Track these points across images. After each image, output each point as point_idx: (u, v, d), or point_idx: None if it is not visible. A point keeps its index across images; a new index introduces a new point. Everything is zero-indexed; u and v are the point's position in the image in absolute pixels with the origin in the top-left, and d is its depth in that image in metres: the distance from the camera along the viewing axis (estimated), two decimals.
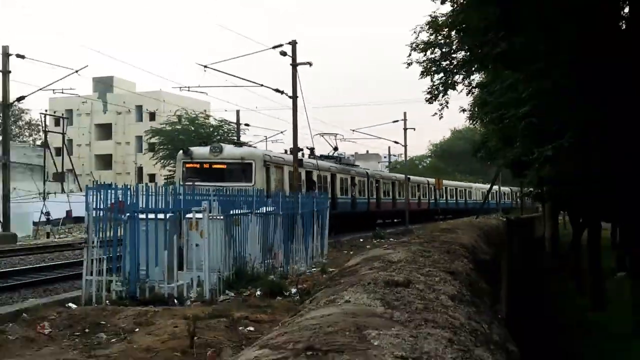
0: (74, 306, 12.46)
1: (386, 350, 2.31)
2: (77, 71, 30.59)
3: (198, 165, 29.65)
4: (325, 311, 3.56)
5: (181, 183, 24.65)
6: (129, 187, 15.26)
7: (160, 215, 14.11)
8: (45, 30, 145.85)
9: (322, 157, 41.74)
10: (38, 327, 10.38)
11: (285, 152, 39.00)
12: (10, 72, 30.89)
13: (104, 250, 13.87)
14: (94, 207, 13.90)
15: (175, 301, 13.01)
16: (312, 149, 40.10)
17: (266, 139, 53.88)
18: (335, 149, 45.64)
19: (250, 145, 41.99)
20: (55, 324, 10.62)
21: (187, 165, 30.25)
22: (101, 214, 14.08)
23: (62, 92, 37.43)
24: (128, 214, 14.01)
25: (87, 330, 10.25)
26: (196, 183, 23.19)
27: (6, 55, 30.57)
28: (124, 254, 13.80)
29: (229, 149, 30.98)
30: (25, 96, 34.48)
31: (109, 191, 14.28)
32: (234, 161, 29.99)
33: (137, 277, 13.55)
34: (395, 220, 52.80)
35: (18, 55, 31.06)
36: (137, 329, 10.07)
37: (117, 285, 13.50)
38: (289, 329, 3.02)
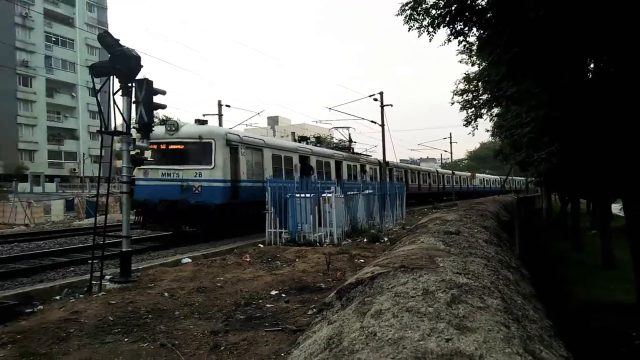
0: (261, 246, 12.72)
1: (448, 269, 2.67)
2: (258, 113, 30.94)
3: (155, 147, 15.42)
4: (409, 247, 3.99)
5: (138, 167, 14.49)
6: (289, 180, 15.72)
7: (307, 195, 14.05)
8: (238, 87, 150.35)
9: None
10: (243, 257, 10.69)
11: (298, 140, 26.75)
12: (222, 115, 31.72)
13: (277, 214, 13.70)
14: (271, 190, 13.79)
15: (318, 244, 12.94)
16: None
17: (366, 150, 52.65)
18: (350, 141, 33.17)
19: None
20: (252, 256, 10.90)
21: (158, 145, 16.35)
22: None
23: (250, 126, 38.40)
24: (290, 194, 13.96)
25: (269, 259, 10.44)
26: (151, 166, 14.86)
27: (219, 105, 31.63)
28: (288, 217, 13.76)
29: (186, 127, 16.06)
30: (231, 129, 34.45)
31: (278, 184, 14.39)
32: (192, 140, 15.69)
33: (296, 229, 13.62)
34: (430, 199, 40.87)
35: (227, 105, 31.92)
36: (296, 260, 10.16)
37: (285, 234, 13.62)
38: (388, 257, 3.48)
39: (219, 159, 15.16)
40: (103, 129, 8.21)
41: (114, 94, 8.25)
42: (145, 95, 8.46)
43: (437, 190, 46.39)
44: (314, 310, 5.95)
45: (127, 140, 8.28)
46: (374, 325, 1.45)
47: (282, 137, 37.53)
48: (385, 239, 13.91)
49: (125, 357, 4.46)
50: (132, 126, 8.43)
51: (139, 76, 8.41)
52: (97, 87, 8.28)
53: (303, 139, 26.48)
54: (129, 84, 8.32)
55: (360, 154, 33.24)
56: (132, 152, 8.43)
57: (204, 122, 16.59)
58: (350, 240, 14.02)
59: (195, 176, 15.00)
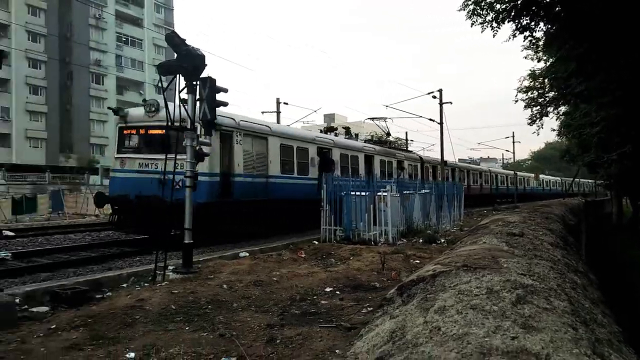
0: (316, 243, 12.77)
1: (512, 270, 2.60)
2: (315, 111, 30.10)
3: (134, 131, 13.23)
4: (470, 247, 3.93)
5: (115, 156, 13.40)
6: (344, 178, 15.64)
7: (362, 193, 14.00)
8: (295, 85, 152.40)
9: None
10: (298, 253, 10.86)
11: (324, 131, 23.12)
12: (280, 112, 31.78)
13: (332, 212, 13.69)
14: (327, 188, 13.81)
15: (372, 243, 12.84)
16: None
17: (424, 149, 50.86)
18: (388, 134, 28.12)
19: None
20: (307, 252, 11.05)
21: (124, 132, 13.65)
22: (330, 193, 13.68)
23: (307, 123, 38.36)
24: (345, 192, 13.85)
25: (324, 256, 10.50)
26: (129, 155, 12.98)
27: (278, 103, 31.72)
28: (343, 214, 13.63)
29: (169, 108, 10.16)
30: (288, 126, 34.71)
31: (334, 181, 14.35)
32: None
33: (351, 227, 13.54)
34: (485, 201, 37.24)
35: (285, 103, 32.04)
36: (351, 258, 10.13)
37: (340, 232, 13.55)
38: (449, 256, 3.45)
39: (206, 147, 11.75)
40: (169, 125, 8.58)
41: (179, 92, 8.62)
42: (209, 92, 8.76)
43: (490, 192, 42.17)
44: (369, 308, 5.96)
45: (191, 135, 8.61)
46: (437, 321, 1.46)
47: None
48: (442, 240, 13.67)
49: (187, 344, 4.65)
50: (195, 122, 8.74)
51: (203, 74, 8.72)
52: (164, 85, 8.68)
53: (330, 129, 22.58)
54: (194, 82, 8.65)
55: (398, 148, 29.64)
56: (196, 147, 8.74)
57: (185, 101, 13.22)
58: (405, 240, 13.89)
59: (176, 168, 12.40)
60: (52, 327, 5.23)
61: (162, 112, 12.04)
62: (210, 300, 6.32)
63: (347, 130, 24.52)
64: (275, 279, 7.77)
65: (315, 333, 4.99)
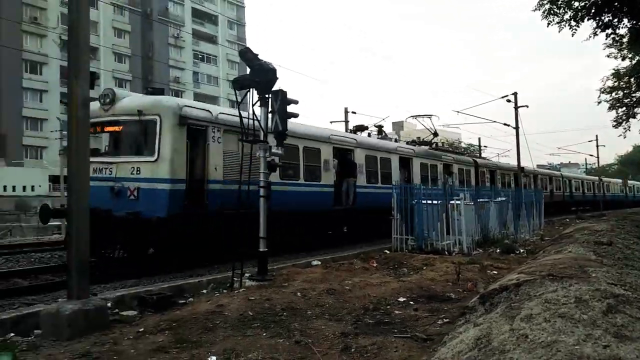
0: (387, 252, 12.68)
1: (601, 279, 2.45)
2: (383, 119, 28.10)
3: (92, 130, 9.07)
4: (555, 257, 3.76)
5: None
6: (416, 185, 15.45)
7: (434, 201, 13.72)
8: (363, 93, 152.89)
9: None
10: (370, 262, 10.81)
11: (353, 131, 19.87)
12: (348, 121, 31.76)
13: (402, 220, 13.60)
14: (397, 197, 13.72)
15: (446, 252, 12.61)
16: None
17: (498, 155, 49.05)
18: (435, 133, 23.20)
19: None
20: (378, 261, 11.01)
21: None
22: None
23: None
24: (416, 200, 13.69)
25: (396, 266, 10.43)
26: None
27: (346, 112, 31.96)
28: (415, 223, 13.47)
29: (126, 100, 10.54)
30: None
31: (404, 188, 14.28)
32: (130, 118, 10.12)
33: (423, 236, 13.38)
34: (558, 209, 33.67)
35: (353, 112, 32.18)
36: (424, 267, 10.02)
37: (411, 241, 13.42)
38: (532, 265, 3.32)
39: (166, 146, 9.85)
40: (244, 138, 8.94)
41: (253, 105, 8.97)
42: (280, 105, 9.04)
43: (562, 199, 37.84)
44: (445, 320, 5.85)
45: (264, 147, 8.92)
46: (524, 328, 1.44)
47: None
48: (521, 250, 13.25)
49: (265, 350, 4.80)
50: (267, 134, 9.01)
51: (275, 87, 9.02)
52: (239, 99, 9.09)
53: (360, 128, 19.44)
54: (266, 95, 8.97)
55: (447, 150, 26.38)
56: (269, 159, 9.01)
57: (158, 91, 11.14)
58: (481, 250, 13.52)
59: (132, 173, 9.93)
60: (141, 330, 5.59)
61: (120, 104, 10.28)
62: (285, 307, 6.47)
63: (380, 129, 21.22)
64: (347, 287, 7.81)
65: (390, 343, 4.96)
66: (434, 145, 23.14)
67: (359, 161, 15.68)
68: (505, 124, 30.65)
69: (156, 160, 9.82)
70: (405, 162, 18.39)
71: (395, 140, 21.76)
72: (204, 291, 8.27)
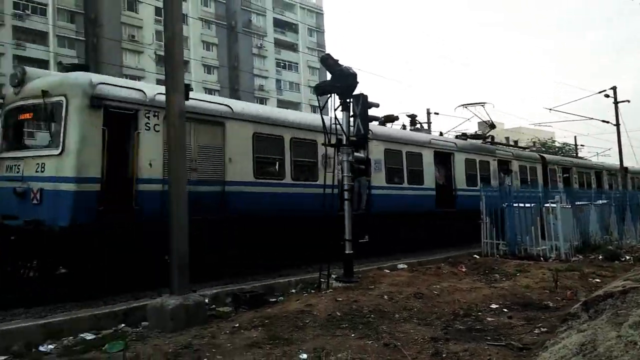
0: (477, 257, 12.39)
1: None
2: (469, 119, 26.29)
3: (8, 119, 8.64)
4: None
5: None
6: (507, 188, 14.87)
7: (527, 205, 13.09)
8: (444, 100, 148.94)
9: None
10: (458, 267, 10.63)
11: (382, 123, 15.47)
12: (431, 122, 30.93)
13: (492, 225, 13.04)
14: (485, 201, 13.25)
15: (541, 258, 12.03)
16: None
17: (597, 154, 45.27)
18: (492, 125, 19.70)
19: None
20: (467, 266, 10.80)
21: (5, 115, 8.82)
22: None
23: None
24: (506, 204, 13.10)
25: (486, 271, 10.18)
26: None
27: (428, 113, 31.24)
28: (506, 227, 12.90)
29: (36, 81, 8.17)
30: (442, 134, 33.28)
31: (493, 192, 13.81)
32: (37, 102, 7.84)
33: (515, 241, 12.85)
34: None
35: (435, 113, 31.24)
36: (517, 274, 9.66)
37: (503, 246, 12.93)
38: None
39: (73, 134, 7.75)
40: (327, 142, 9.14)
41: (334, 110, 9.16)
42: (362, 109, 9.15)
43: None
44: (542, 329, 5.60)
45: (347, 151, 9.06)
46: (632, 335, 1.39)
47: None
48: (627, 257, 12.38)
49: (353, 350, 4.89)
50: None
51: (356, 91, 9.15)
52: (321, 104, 9.32)
53: (389, 119, 15.89)
54: (347, 100, 9.11)
55: (504, 144, 22.27)
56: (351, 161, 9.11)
57: (81, 68, 9.05)
58: (581, 257, 12.75)
59: (36, 170, 7.93)
60: (236, 325, 5.92)
61: (30, 85, 8.33)
62: (373, 309, 6.52)
63: (412, 120, 18.09)
64: (435, 292, 7.71)
65: (482, 350, 4.85)
66: (489, 139, 19.94)
67: (375, 156, 13.09)
68: (604, 121, 28.38)
69: (60, 153, 7.74)
70: (443, 158, 15.62)
71: (425, 130, 19.33)
72: (293, 291, 8.57)
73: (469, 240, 14.28)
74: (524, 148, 24.96)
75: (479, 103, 19.06)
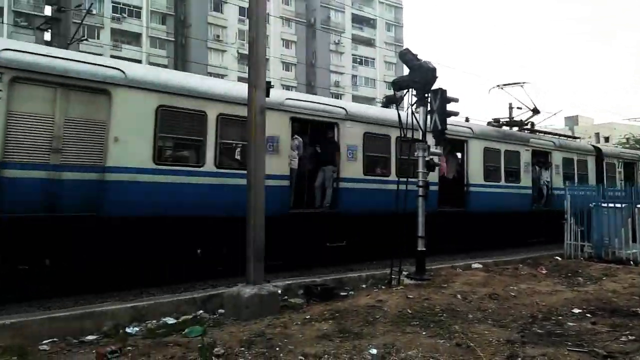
0: (559, 259, 11.90)
1: None
2: (555, 114, 24.79)
3: None
4: None
5: None
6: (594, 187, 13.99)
7: (617, 205, 12.24)
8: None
9: None
10: (538, 269, 10.25)
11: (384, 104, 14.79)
12: (513, 117, 29.18)
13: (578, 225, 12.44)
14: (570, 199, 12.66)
15: (631, 263, 11.22)
16: None
17: None
18: (535, 110, 17.54)
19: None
20: (548, 268, 10.38)
21: None
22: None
23: (544, 128, 34.34)
24: (594, 203, 12.48)
25: (569, 274, 9.71)
26: None
27: (510, 108, 29.75)
28: (592, 229, 12.29)
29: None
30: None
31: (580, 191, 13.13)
32: None
33: (602, 244, 12.10)
34: None
35: (518, 108, 28.96)
36: (603, 278, 9.14)
37: (588, 248, 12.29)
38: None
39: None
40: (402, 137, 8.97)
41: (412, 105, 8.96)
42: (440, 104, 8.88)
43: None
44: (630, 337, 5.20)
45: (423, 147, 8.84)
46: None
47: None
48: None
49: (424, 349, 4.78)
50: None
51: (434, 86, 8.88)
52: (398, 100, 9.16)
53: (391, 100, 11.31)
54: (425, 95, 8.87)
55: (548, 132, 18.74)
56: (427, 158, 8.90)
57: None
58: None
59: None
60: (307, 317, 6.00)
61: None
62: (445, 308, 6.35)
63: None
64: (512, 294, 7.39)
65: (562, 356, 4.57)
66: (528, 125, 17.31)
67: (348, 141, 11.01)
68: None
69: None
70: (455, 145, 13.63)
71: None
72: (363, 286, 8.54)
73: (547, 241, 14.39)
74: (575, 138, 21.51)
75: (517, 83, 17.33)
